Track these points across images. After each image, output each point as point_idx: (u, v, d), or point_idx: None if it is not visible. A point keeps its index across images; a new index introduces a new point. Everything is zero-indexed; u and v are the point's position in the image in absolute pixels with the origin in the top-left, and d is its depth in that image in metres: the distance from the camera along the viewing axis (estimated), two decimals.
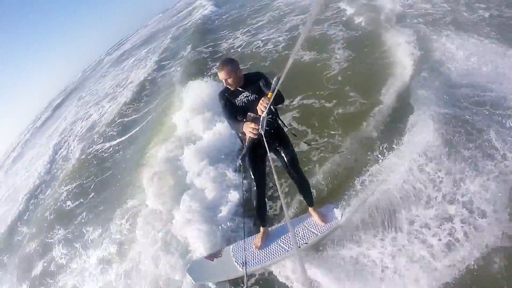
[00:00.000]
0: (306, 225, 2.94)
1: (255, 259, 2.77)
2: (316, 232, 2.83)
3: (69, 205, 6.72)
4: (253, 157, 2.55)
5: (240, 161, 2.19)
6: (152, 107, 9.39)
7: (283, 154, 2.65)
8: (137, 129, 8.58)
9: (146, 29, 36.27)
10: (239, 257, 2.80)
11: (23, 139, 27.88)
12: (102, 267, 4.14)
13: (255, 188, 2.58)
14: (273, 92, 1.78)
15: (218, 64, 2.33)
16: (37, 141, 19.56)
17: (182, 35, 17.30)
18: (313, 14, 0.75)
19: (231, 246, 2.98)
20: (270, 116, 2.33)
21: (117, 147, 8.28)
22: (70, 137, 13.10)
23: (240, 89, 2.36)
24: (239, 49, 10.04)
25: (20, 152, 21.33)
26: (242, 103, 2.37)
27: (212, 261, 2.83)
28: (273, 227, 3.14)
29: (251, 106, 2.22)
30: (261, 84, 2.32)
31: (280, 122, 2.60)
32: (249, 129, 1.98)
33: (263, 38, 9.68)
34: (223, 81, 2.31)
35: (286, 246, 2.79)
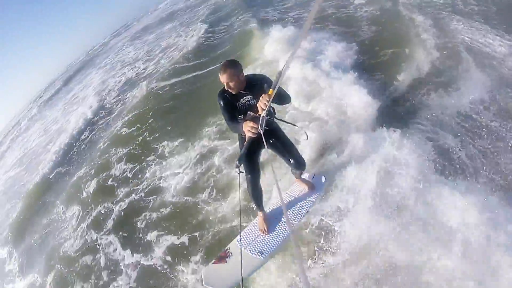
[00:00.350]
0: (300, 196, 3.06)
1: (269, 244, 2.68)
2: (311, 199, 2.99)
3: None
4: (249, 152, 2.50)
5: (237, 162, 2.08)
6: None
7: (279, 146, 2.67)
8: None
9: (157, 12, 35.58)
10: (252, 247, 2.69)
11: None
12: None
13: (248, 175, 2.55)
14: (273, 88, 1.72)
15: (220, 66, 2.21)
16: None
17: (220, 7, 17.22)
18: (314, 10, 0.74)
19: (235, 241, 2.83)
20: (269, 117, 2.28)
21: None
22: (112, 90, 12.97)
23: (242, 92, 2.28)
24: None
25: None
26: (243, 107, 2.31)
27: (226, 262, 2.63)
28: (268, 208, 3.10)
29: (252, 110, 2.15)
30: (265, 87, 2.22)
31: (277, 119, 2.63)
32: (248, 128, 1.94)
33: None
34: (224, 84, 2.21)
35: (290, 221, 2.79)
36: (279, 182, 3.06)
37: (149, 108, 8.02)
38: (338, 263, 2.65)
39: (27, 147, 14.18)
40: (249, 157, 2.52)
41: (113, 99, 11.41)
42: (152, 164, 5.55)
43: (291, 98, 2.31)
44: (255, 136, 1.94)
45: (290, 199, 3.03)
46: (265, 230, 2.78)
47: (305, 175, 3.25)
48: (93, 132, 9.36)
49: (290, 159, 2.68)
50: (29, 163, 11.28)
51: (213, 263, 2.67)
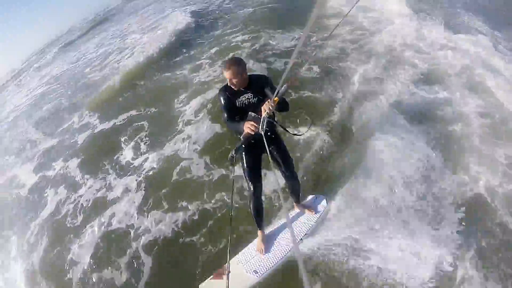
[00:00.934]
0: (299, 220, 3.05)
1: (264, 265, 2.74)
2: (310, 223, 2.96)
3: None
4: (250, 160, 2.55)
5: (233, 153, 2.08)
6: None
7: (277, 155, 2.69)
8: None
9: None
10: (248, 266, 2.76)
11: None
12: None
13: (252, 191, 2.55)
14: (280, 97, 1.83)
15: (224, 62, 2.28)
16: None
17: None
18: (313, 16, 0.75)
19: (235, 258, 2.90)
20: (271, 119, 2.34)
21: None
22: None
23: (243, 89, 2.35)
24: None
25: None
26: (242, 105, 2.37)
27: (222, 279, 2.69)
28: (266, 230, 3.08)
29: (251, 108, 2.25)
30: (266, 88, 2.32)
31: (276, 124, 2.61)
32: (248, 125, 1.99)
33: None
34: (228, 80, 2.28)
35: (287, 243, 2.84)
36: (284, 204, 3.22)
37: None
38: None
39: None
40: (253, 169, 2.56)
41: None
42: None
43: (289, 106, 2.39)
44: (253, 133, 1.97)
45: (290, 221, 3.04)
46: (262, 250, 2.82)
47: (307, 198, 3.25)
48: None
49: (285, 171, 2.75)
50: None
51: (211, 278, 2.75)
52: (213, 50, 8.84)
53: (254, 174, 2.55)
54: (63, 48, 25.09)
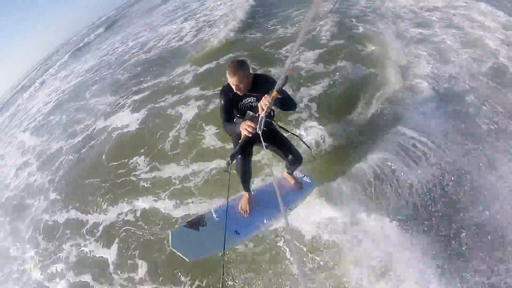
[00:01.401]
0: (287, 192, 2.95)
1: (246, 226, 2.59)
2: (297, 198, 2.92)
3: None
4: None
5: (229, 159, 1.97)
6: None
7: (275, 148, 2.63)
8: None
9: None
10: (228, 223, 2.41)
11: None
12: None
13: (240, 157, 2.38)
14: (278, 91, 1.70)
15: (228, 64, 2.09)
16: None
17: None
18: (312, 11, 0.75)
19: (213, 211, 2.69)
20: (269, 118, 2.25)
21: None
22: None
23: (247, 93, 2.20)
24: None
25: None
26: (244, 107, 2.24)
27: (197, 230, 2.47)
28: (253, 190, 2.95)
29: (252, 111, 2.08)
30: (271, 90, 2.09)
31: (274, 123, 2.53)
32: (245, 127, 1.89)
33: None
34: (234, 86, 2.10)
35: (272, 211, 2.73)
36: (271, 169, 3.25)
37: None
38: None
39: None
40: (246, 149, 2.42)
41: None
42: None
43: (297, 106, 2.19)
44: (250, 135, 1.90)
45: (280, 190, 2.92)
46: (246, 211, 2.70)
47: (296, 173, 3.17)
48: None
49: (288, 155, 2.63)
50: None
51: (184, 226, 2.49)
52: None
53: (244, 149, 2.34)
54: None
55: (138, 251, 4.28)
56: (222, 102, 2.25)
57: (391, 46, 6.44)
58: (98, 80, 14.26)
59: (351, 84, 5.53)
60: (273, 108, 2.28)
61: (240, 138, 2.04)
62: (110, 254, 4.51)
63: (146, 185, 5.27)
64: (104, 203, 5.52)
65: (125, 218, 4.90)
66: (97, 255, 4.70)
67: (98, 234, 5.01)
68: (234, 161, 2.18)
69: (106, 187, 5.93)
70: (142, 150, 6.23)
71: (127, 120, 8.04)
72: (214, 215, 2.64)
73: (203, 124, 5.91)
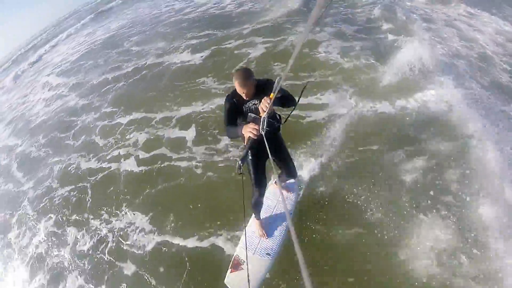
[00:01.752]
0: (281, 200, 3.39)
1: (273, 246, 2.98)
2: (292, 202, 3.34)
3: None
4: (256, 165, 2.62)
5: (240, 162, 2.06)
6: None
7: (279, 156, 2.78)
8: None
9: None
10: (259, 251, 2.95)
11: None
12: None
13: (257, 193, 2.68)
14: (274, 92, 1.75)
15: (236, 73, 2.18)
16: None
17: None
18: (315, 12, 0.76)
19: (239, 248, 3.07)
20: (273, 120, 2.36)
21: None
22: None
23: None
24: None
25: None
26: (248, 110, 2.33)
27: (242, 269, 2.82)
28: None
29: (255, 114, 2.17)
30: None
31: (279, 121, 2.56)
32: (249, 129, 1.95)
33: None
34: (243, 94, 2.20)
35: (282, 221, 3.17)
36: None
37: None
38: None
39: None
40: (258, 174, 2.63)
41: None
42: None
43: (297, 102, 2.28)
44: (255, 137, 1.94)
45: (274, 203, 3.39)
46: (264, 234, 3.07)
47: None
48: None
49: (285, 171, 2.92)
50: None
51: (231, 272, 2.84)
52: None
53: (260, 179, 2.66)
54: None
55: (216, 130, 5.15)
56: (226, 107, 2.33)
57: None
58: (137, 33, 14.65)
59: None
60: (277, 113, 2.45)
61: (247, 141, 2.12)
62: (188, 134, 5.38)
63: (218, 92, 6.18)
64: (174, 105, 6.39)
65: (201, 110, 5.79)
66: (172, 136, 5.54)
67: (173, 123, 5.86)
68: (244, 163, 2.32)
69: (172, 95, 6.81)
70: (210, 74, 7.06)
71: (188, 57, 8.71)
72: (244, 250, 2.87)
73: (271, 62, 6.71)
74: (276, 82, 1.81)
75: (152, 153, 5.37)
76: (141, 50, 11.57)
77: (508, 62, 5.26)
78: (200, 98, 6.21)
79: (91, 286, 3.82)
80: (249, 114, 2.09)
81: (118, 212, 4.54)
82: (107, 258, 4.03)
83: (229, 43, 8.58)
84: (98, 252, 4.17)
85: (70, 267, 4.25)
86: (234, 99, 2.30)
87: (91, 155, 6.23)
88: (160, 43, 11.18)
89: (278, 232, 3.07)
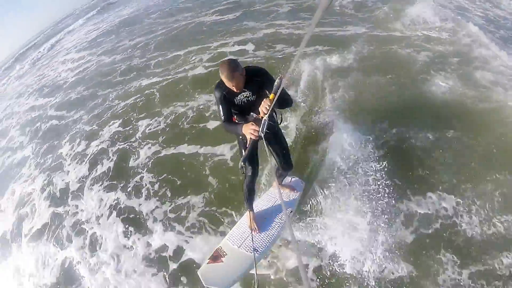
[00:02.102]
0: (283, 197, 3.12)
1: (262, 242, 2.72)
2: (293, 200, 3.10)
3: None
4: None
5: (242, 163, 2.03)
6: None
7: (276, 147, 2.70)
8: None
9: None
10: (246, 246, 2.70)
11: None
12: None
13: (249, 175, 2.59)
14: (275, 93, 1.68)
15: (221, 67, 2.01)
16: None
17: None
18: (318, 13, 0.72)
19: (226, 240, 2.83)
20: (272, 122, 2.28)
21: None
22: None
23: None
24: None
25: None
26: (241, 103, 2.22)
27: (222, 262, 2.62)
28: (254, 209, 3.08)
29: (250, 106, 2.14)
30: (266, 86, 2.08)
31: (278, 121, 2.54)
32: (250, 131, 1.91)
33: None
34: (233, 87, 2.06)
35: (279, 219, 2.91)
36: (263, 182, 3.46)
37: None
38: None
39: None
40: (251, 157, 2.52)
41: None
42: None
43: (293, 102, 2.25)
44: (257, 138, 1.93)
45: (273, 201, 3.17)
46: (256, 229, 2.83)
47: (286, 178, 3.37)
48: None
49: (281, 161, 2.77)
50: None
51: (208, 263, 2.63)
52: None
53: (251, 160, 2.55)
54: None
55: None
56: (218, 102, 2.21)
57: None
58: (155, 11, 14.94)
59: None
60: (275, 111, 2.38)
61: (246, 141, 2.06)
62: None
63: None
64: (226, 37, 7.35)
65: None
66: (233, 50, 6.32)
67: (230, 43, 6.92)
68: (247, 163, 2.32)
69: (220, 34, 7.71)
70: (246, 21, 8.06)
71: (218, 17, 9.55)
72: (230, 242, 2.75)
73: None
74: (276, 82, 1.75)
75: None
76: (166, 21, 12.06)
77: None
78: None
79: None
80: (251, 114, 2.04)
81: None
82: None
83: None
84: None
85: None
86: (224, 92, 2.17)
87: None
88: (188, 13, 11.79)
89: (273, 229, 2.83)
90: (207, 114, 5.04)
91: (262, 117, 1.88)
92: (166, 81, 6.79)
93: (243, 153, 2.13)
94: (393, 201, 2.92)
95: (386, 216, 2.80)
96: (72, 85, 9.93)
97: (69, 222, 4.35)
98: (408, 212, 2.88)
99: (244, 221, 2.96)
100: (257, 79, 2.12)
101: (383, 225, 2.75)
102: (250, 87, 2.14)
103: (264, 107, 1.85)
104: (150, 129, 5.32)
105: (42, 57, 19.84)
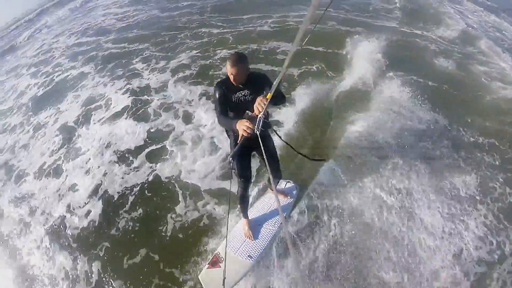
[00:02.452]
0: (276, 203, 3.26)
1: (256, 249, 2.87)
2: (288, 205, 3.23)
3: None
4: (242, 157, 2.58)
5: (231, 159, 2.08)
6: None
7: (266, 154, 2.48)
8: None
9: None
10: (241, 252, 2.85)
11: None
12: None
13: (242, 185, 2.64)
14: (271, 92, 1.73)
15: (230, 56, 2.16)
16: None
17: None
18: (313, 7, 0.72)
19: (222, 245, 2.96)
20: (267, 120, 2.31)
21: None
22: None
23: (241, 86, 2.27)
24: None
25: None
26: (237, 100, 2.30)
27: (220, 267, 2.75)
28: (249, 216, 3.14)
29: (246, 105, 2.19)
30: (265, 89, 2.15)
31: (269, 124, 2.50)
32: (243, 127, 1.90)
33: None
34: (231, 75, 2.16)
35: (272, 226, 3.03)
36: (257, 188, 3.50)
37: None
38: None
39: None
40: (245, 163, 2.60)
41: None
42: None
43: (285, 98, 2.32)
44: (249, 136, 1.92)
45: (268, 207, 3.25)
46: (250, 236, 2.93)
47: (280, 184, 3.45)
48: None
49: (272, 168, 2.81)
50: None
51: (207, 268, 2.77)
52: None
53: (245, 171, 2.62)
54: None
55: None
56: (217, 95, 2.28)
57: None
58: None
59: None
60: (267, 110, 2.38)
61: (237, 137, 2.06)
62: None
63: None
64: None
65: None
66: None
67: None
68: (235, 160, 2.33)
69: None
70: None
71: None
72: (226, 248, 2.78)
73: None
74: (275, 82, 1.70)
75: None
76: None
77: None
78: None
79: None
80: (246, 112, 1.99)
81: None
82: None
83: None
84: None
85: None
86: (224, 87, 2.27)
87: None
88: None
89: (266, 236, 2.95)
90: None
91: (257, 115, 1.87)
92: (238, 31, 7.54)
93: (239, 151, 2.11)
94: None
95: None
96: (124, 28, 10.18)
97: (156, 104, 5.06)
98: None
99: (239, 227, 3.08)
100: (258, 81, 2.24)
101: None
102: (250, 86, 2.25)
103: (261, 105, 1.84)
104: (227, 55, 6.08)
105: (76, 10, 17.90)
